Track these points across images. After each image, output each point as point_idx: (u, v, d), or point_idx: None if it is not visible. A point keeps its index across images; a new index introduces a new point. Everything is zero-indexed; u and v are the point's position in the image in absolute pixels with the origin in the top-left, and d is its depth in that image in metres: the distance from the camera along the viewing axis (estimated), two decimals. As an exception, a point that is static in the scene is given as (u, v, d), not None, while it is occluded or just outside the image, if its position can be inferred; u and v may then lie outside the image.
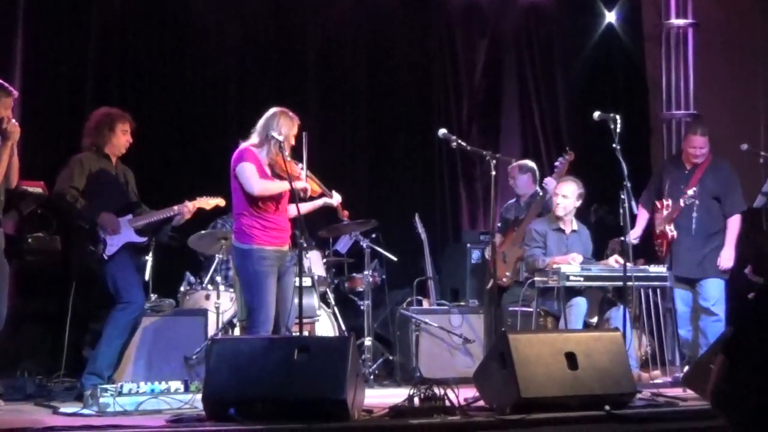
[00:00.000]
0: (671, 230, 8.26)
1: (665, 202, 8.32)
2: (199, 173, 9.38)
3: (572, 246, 8.32)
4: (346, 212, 7.35)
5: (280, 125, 6.94)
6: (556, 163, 8.68)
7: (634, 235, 8.30)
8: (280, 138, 6.83)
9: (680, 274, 8.28)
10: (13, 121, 6.54)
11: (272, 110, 7.04)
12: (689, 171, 8.39)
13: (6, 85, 6.61)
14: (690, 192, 8.12)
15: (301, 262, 6.81)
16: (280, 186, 6.85)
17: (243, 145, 6.99)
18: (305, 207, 7.10)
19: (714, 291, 8.30)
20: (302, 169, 7.01)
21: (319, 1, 10.05)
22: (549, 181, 8.46)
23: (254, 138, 6.98)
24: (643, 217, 8.48)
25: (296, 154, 7.00)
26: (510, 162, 8.79)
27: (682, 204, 8.13)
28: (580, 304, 7.98)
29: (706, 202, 8.28)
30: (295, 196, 6.75)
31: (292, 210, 6.92)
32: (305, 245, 6.90)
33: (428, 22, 10.62)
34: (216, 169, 9.35)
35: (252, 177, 6.85)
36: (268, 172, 6.86)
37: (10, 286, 8.04)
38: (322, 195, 7.16)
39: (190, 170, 9.48)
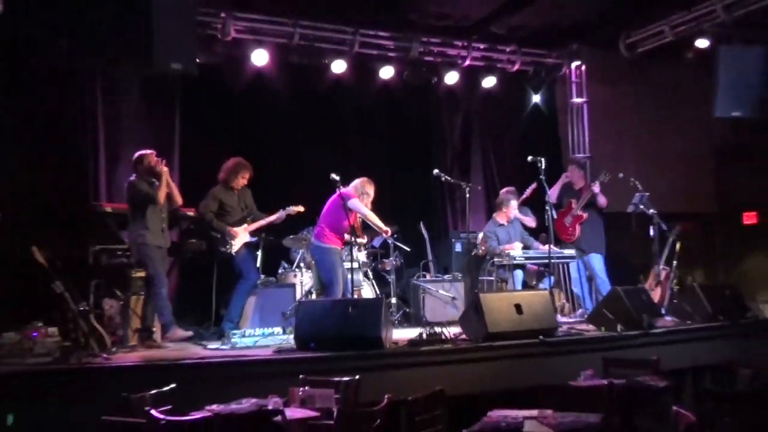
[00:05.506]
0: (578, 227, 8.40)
1: (572, 205, 8.49)
2: (277, 193, 8.75)
3: (513, 232, 8.40)
4: (388, 231, 7.44)
5: (369, 189, 7.19)
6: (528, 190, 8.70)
7: (554, 196, 8.35)
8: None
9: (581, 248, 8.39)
10: (162, 165, 6.62)
11: (363, 179, 7.18)
12: (577, 191, 8.60)
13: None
14: (574, 207, 8.42)
15: (352, 255, 6.94)
16: (375, 220, 7.11)
17: (346, 189, 7.04)
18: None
19: (597, 263, 8.36)
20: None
21: (354, 90, 9.66)
22: (552, 193, 8.29)
23: (351, 189, 7.07)
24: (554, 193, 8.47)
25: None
26: (477, 189, 8.80)
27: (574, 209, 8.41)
28: (517, 274, 8.03)
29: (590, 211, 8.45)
30: (354, 231, 7.03)
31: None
32: (356, 244, 7.01)
33: (426, 103, 10.49)
34: (288, 190, 8.64)
35: (363, 206, 7.04)
36: None
37: (176, 275, 8.09)
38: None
39: (271, 190, 8.82)
